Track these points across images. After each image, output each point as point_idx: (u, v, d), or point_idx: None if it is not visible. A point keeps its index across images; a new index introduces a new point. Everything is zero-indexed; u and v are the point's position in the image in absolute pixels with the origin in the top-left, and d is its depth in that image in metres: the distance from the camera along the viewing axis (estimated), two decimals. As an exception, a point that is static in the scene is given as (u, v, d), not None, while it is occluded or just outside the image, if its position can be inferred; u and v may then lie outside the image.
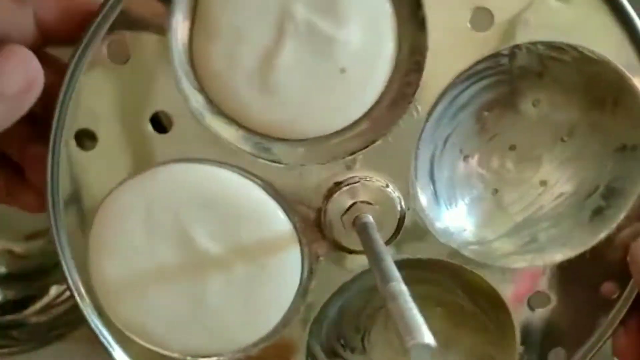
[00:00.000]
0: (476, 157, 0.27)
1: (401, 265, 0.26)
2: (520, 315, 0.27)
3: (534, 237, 0.27)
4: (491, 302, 0.28)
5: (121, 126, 0.24)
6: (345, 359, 0.29)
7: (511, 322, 0.28)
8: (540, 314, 0.28)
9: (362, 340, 0.30)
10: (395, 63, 0.24)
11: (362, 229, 0.25)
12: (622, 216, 0.26)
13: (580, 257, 0.27)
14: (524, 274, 0.27)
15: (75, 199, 0.25)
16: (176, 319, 0.26)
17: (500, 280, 0.27)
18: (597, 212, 0.27)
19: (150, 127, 0.24)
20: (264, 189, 0.25)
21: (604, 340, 0.28)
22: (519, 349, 0.28)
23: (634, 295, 0.27)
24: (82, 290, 0.26)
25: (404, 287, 0.20)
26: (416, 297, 0.28)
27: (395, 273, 0.21)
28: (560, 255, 0.27)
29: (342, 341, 0.29)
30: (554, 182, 0.27)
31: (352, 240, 0.26)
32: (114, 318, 0.26)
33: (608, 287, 0.27)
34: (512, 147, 0.27)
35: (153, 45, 0.23)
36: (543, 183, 0.28)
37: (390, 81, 0.24)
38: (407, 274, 0.25)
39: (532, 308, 0.27)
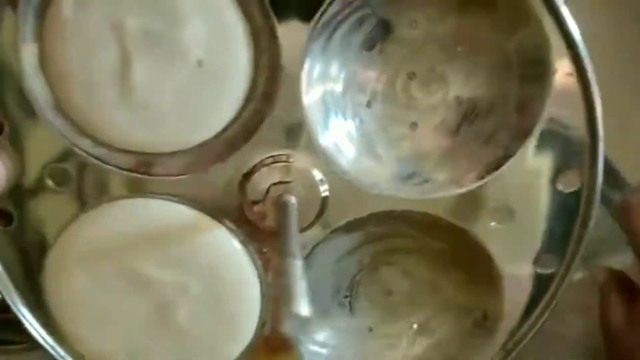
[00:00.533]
0: (379, 100, 0.26)
1: (349, 228, 0.26)
2: (486, 235, 0.26)
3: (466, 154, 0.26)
4: (454, 233, 0.26)
5: (27, 193, 0.25)
6: (328, 332, 0.29)
7: (481, 246, 0.26)
8: (509, 227, 0.26)
9: (350, 310, 0.29)
10: (252, 39, 0.23)
11: (278, 210, 0.24)
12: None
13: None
14: (471, 194, 0.25)
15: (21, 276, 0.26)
16: (159, 352, 0.27)
17: (449, 209, 0.26)
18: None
19: (51, 183, 0.25)
20: (184, 204, 0.25)
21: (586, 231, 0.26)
22: (501, 270, 0.26)
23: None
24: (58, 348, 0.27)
25: (295, 263, 0.20)
26: (388, 253, 0.28)
27: (293, 250, 0.20)
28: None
29: (326, 317, 0.29)
30: (468, 94, 0.26)
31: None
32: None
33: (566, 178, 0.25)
34: (411, 76, 0.26)
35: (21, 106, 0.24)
36: (457, 98, 0.26)
37: (255, 59, 0.24)
38: (364, 234, 0.27)
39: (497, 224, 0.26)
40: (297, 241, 0.22)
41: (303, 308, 0.18)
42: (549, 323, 0.27)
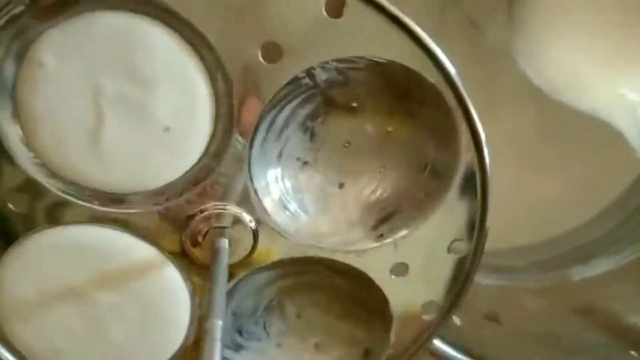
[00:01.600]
0: (314, 161, 0.30)
1: (273, 266, 0.30)
2: (388, 286, 0.31)
3: (382, 219, 0.30)
4: (360, 278, 0.31)
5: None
6: (251, 348, 0.33)
7: (383, 294, 0.31)
8: (406, 280, 0.31)
9: (264, 328, 0.34)
10: (215, 106, 0.27)
11: (214, 254, 0.28)
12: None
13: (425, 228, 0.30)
14: (378, 250, 0.30)
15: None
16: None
17: (360, 261, 0.30)
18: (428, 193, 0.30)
19: (12, 206, 0.27)
20: (130, 233, 0.29)
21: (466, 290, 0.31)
22: (394, 313, 0.32)
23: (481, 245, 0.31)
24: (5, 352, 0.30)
25: (218, 323, 0.23)
26: (302, 286, 0.33)
27: (218, 309, 0.24)
28: (405, 231, 0.30)
29: (243, 334, 0.33)
30: (391, 166, 0.30)
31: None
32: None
33: (456, 246, 0.30)
34: (347, 144, 0.30)
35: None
36: (383, 168, 0.30)
37: (214, 124, 0.27)
38: (284, 270, 0.31)
39: (395, 277, 0.31)
40: (223, 298, 0.25)
41: None
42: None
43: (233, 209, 0.29)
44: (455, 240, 0.30)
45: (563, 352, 0.32)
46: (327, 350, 0.34)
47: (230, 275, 0.30)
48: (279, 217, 0.29)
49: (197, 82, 0.26)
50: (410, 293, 0.32)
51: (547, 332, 0.29)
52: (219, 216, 0.29)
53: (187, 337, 0.31)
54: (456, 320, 0.32)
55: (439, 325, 0.32)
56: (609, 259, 0.36)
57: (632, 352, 0.25)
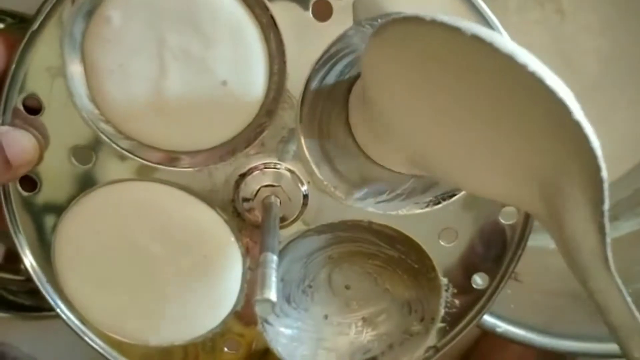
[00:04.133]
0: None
1: (322, 230, 0.31)
2: (435, 251, 0.31)
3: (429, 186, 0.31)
4: (408, 245, 0.31)
5: (54, 166, 0.29)
6: (298, 317, 0.34)
7: (430, 260, 0.31)
8: (454, 246, 0.31)
9: (312, 298, 0.34)
10: (268, 64, 0.28)
11: (264, 209, 0.29)
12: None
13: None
14: (427, 215, 0.30)
15: (35, 233, 0.30)
16: (145, 315, 0.31)
17: (407, 225, 0.31)
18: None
19: (75, 161, 0.29)
20: (186, 191, 0.30)
21: (517, 258, 0.31)
22: (443, 281, 0.32)
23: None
24: (63, 305, 0.31)
25: (273, 257, 0.24)
26: (351, 255, 0.33)
27: (272, 245, 0.25)
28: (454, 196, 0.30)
29: (291, 303, 0.34)
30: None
31: (268, 219, 0.30)
32: (95, 323, 0.32)
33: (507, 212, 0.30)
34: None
35: (60, 93, 0.28)
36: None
37: (268, 81, 0.28)
38: (333, 236, 0.31)
39: (444, 243, 0.31)
40: (275, 238, 0.26)
41: (272, 294, 0.22)
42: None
43: (284, 168, 0.29)
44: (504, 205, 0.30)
45: (584, 311, 0.32)
46: (375, 323, 0.34)
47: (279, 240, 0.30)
48: (324, 176, 0.30)
49: (253, 40, 0.27)
50: (460, 262, 0.31)
51: (571, 291, 0.28)
52: (270, 175, 0.29)
53: (237, 302, 0.32)
54: (481, 277, 0.31)
55: (493, 295, 0.32)
56: (633, 221, 0.36)
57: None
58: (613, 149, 0.32)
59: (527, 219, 0.30)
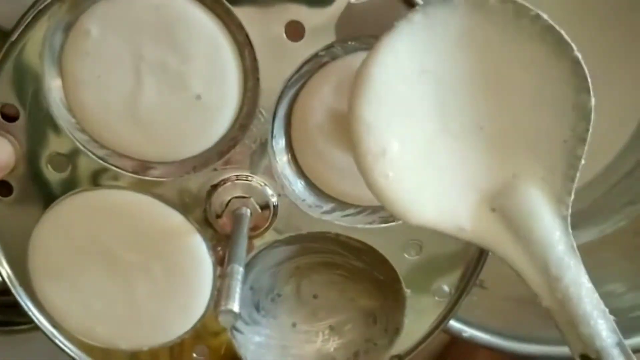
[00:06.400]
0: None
1: (291, 241, 0.32)
2: (399, 263, 0.32)
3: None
4: (374, 257, 0.32)
5: (30, 173, 0.30)
6: (266, 324, 0.35)
7: (395, 271, 0.32)
8: (418, 259, 0.32)
9: (281, 306, 0.35)
10: (242, 81, 0.29)
11: (235, 220, 0.30)
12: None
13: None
14: (392, 228, 0.32)
15: (9, 238, 0.31)
16: (116, 320, 0.32)
17: (373, 238, 0.32)
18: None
19: (51, 169, 0.30)
20: (159, 199, 0.31)
21: (479, 269, 0.32)
22: (407, 292, 0.33)
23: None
24: (35, 309, 0.32)
25: (239, 269, 0.25)
26: (319, 265, 0.34)
27: (239, 256, 0.26)
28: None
29: (260, 310, 0.35)
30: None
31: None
32: (67, 327, 0.33)
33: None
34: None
35: (38, 102, 0.28)
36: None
37: (242, 96, 0.29)
38: (302, 247, 0.32)
39: (409, 255, 0.32)
40: (243, 250, 0.27)
41: (235, 306, 0.23)
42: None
43: (255, 180, 0.30)
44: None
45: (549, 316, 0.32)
46: (341, 332, 0.35)
47: (249, 248, 0.32)
48: (296, 190, 0.31)
49: (228, 56, 0.28)
50: (424, 274, 0.33)
51: (532, 297, 0.28)
52: (241, 186, 0.30)
53: (207, 309, 0.33)
54: (445, 287, 0.33)
55: (455, 305, 0.33)
56: (591, 230, 0.38)
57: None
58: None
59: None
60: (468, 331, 0.34)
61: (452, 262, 0.32)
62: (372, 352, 0.34)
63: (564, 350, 0.30)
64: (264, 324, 0.35)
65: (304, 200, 0.31)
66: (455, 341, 0.43)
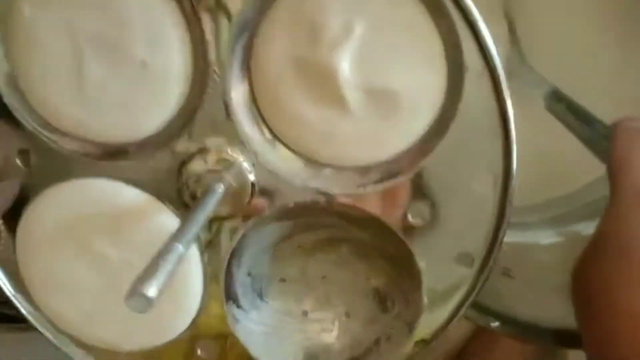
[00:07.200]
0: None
1: (280, 216, 0.28)
2: (406, 232, 0.27)
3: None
4: (376, 226, 0.28)
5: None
6: (264, 311, 0.31)
7: (402, 242, 0.28)
8: (428, 225, 0.27)
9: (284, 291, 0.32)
10: (191, 43, 0.26)
11: (204, 194, 0.27)
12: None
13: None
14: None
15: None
16: (111, 319, 0.30)
17: (370, 203, 0.27)
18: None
19: (20, 163, 0.28)
20: (132, 185, 0.28)
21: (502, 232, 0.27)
22: (421, 266, 0.28)
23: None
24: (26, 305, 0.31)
25: (177, 248, 0.22)
26: (323, 242, 0.30)
27: (184, 235, 0.23)
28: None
29: (264, 298, 0.31)
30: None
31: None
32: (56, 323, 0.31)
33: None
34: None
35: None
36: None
37: (192, 61, 0.26)
38: (297, 223, 0.29)
39: (415, 221, 0.27)
40: (193, 228, 0.24)
41: (150, 290, 0.19)
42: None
43: (225, 151, 0.27)
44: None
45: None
46: (358, 317, 0.31)
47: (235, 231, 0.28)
48: (273, 157, 0.27)
49: (165, 11, 0.25)
50: (437, 242, 0.28)
51: (562, 285, 0.27)
52: (211, 160, 0.27)
53: (202, 300, 0.30)
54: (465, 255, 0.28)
55: (479, 278, 0.28)
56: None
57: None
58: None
59: (506, 183, 0.26)
60: (496, 322, 0.32)
61: (469, 224, 0.27)
62: (394, 337, 0.30)
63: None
64: (271, 314, 0.31)
65: (281, 167, 0.27)
66: (477, 334, 0.46)
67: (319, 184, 0.27)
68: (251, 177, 0.27)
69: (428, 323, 0.29)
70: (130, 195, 0.28)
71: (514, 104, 0.25)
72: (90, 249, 0.29)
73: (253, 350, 0.30)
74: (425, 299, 0.28)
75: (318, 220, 0.29)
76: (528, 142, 0.31)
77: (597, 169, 0.28)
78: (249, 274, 0.31)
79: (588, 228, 0.35)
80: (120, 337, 0.31)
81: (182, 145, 0.27)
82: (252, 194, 0.28)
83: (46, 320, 0.31)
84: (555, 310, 0.32)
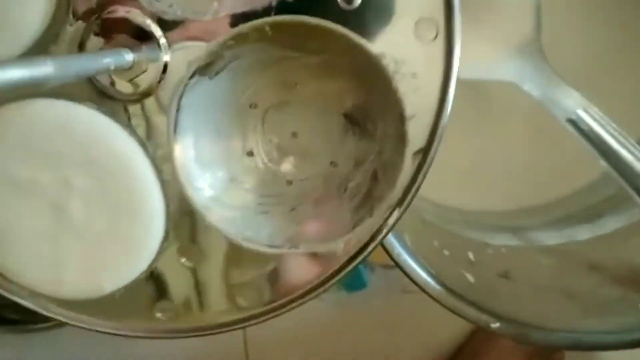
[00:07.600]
0: None
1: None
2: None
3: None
4: (322, 34, 0.23)
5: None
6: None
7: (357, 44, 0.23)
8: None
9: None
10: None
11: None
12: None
13: None
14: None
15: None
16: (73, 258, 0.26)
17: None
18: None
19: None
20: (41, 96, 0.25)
21: None
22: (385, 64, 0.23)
23: None
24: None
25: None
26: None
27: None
28: None
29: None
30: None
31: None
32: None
33: None
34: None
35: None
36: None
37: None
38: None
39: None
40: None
41: None
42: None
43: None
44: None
45: (577, 306, 0.33)
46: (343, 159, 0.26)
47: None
48: None
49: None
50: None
51: (561, 287, 0.30)
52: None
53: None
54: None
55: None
56: (618, 217, 0.36)
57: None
58: (587, 155, 0.30)
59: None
60: (496, 322, 0.32)
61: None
62: (389, 163, 0.25)
63: (592, 338, 0.30)
64: (246, 193, 0.27)
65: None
66: (475, 333, 0.47)
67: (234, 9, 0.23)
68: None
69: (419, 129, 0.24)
70: (42, 106, 0.25)
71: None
72: (15, 180, 0.25)
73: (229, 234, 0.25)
74: (404, 99, 0.23)
75: (257, 54, 0.25)
76: (527, 144, 0.37)
77: (595, 171, 0.29)
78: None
79: (587, 231, 0.36)
80: (94, 279, 0.26)
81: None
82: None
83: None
84: (553, 312, 0.32)
